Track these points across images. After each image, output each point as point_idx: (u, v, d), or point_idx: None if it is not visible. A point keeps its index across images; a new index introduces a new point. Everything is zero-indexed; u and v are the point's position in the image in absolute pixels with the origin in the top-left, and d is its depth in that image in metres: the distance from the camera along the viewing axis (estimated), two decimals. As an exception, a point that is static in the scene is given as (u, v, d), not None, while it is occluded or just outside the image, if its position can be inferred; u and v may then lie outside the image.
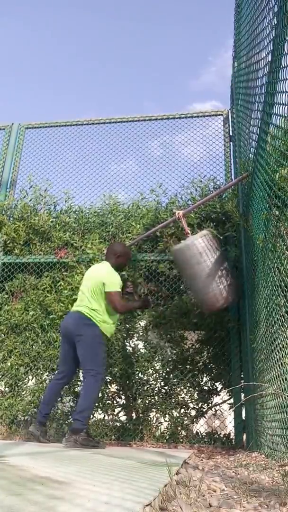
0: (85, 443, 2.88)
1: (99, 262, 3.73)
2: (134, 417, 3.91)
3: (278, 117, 1.99)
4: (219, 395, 3.95)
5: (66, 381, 3.22)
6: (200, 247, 3.09)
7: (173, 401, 3.83)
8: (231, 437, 3.70)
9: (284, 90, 1.78)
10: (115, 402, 4.01)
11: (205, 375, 3.95)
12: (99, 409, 3.94)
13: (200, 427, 3.95)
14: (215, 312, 3.54)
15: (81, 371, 3.35)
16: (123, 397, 4.03)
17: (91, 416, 3.60)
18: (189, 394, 3.89)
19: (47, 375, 4.06)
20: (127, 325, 4.08)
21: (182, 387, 3.88)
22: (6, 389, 4.08)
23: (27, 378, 4.11)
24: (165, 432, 3.76)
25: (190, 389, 3.89)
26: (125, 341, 4.05)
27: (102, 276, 3.16)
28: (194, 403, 3.89)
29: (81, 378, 3.51)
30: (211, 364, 3.95)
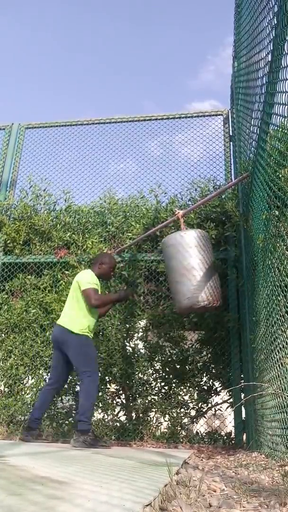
0: (94, 443, 2.95)
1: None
2: (134, 417, 3.90)
3: (278, 117, 1.99)
4: (219, 395, 3.95)
5: (58, 387, 3.32)
6: (190, 241, 3.04)
7: (173, 401, 3.83)
8: (231, 437, 3.70)
9: (284, 90, 1.78)
10: (115, 402, 4.01)
11: (205, 375, 3.95)
12: (99, 409, 3.94)
13: (200, 427, 3.95)
14: (189, 312, 3.45)
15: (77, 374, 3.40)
16: (123, 397, 4.03)
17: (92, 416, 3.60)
18: (189, 394, 3.88)
19: (46, 375, 4.06)
20: (127, 325, 4.08)
21: (182, 387, 3.88)
22: (6, 389, 4.08)
23: (26, 378, 4.12)
24: (165, 432, 3.76)
25: (190, 389, 3.89)
26: (125, 341, 4.05)
27: (78, 279, 3.31)
28: (194, 403, 3.89)
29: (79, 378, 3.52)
30: (211, 364, 3.95)
